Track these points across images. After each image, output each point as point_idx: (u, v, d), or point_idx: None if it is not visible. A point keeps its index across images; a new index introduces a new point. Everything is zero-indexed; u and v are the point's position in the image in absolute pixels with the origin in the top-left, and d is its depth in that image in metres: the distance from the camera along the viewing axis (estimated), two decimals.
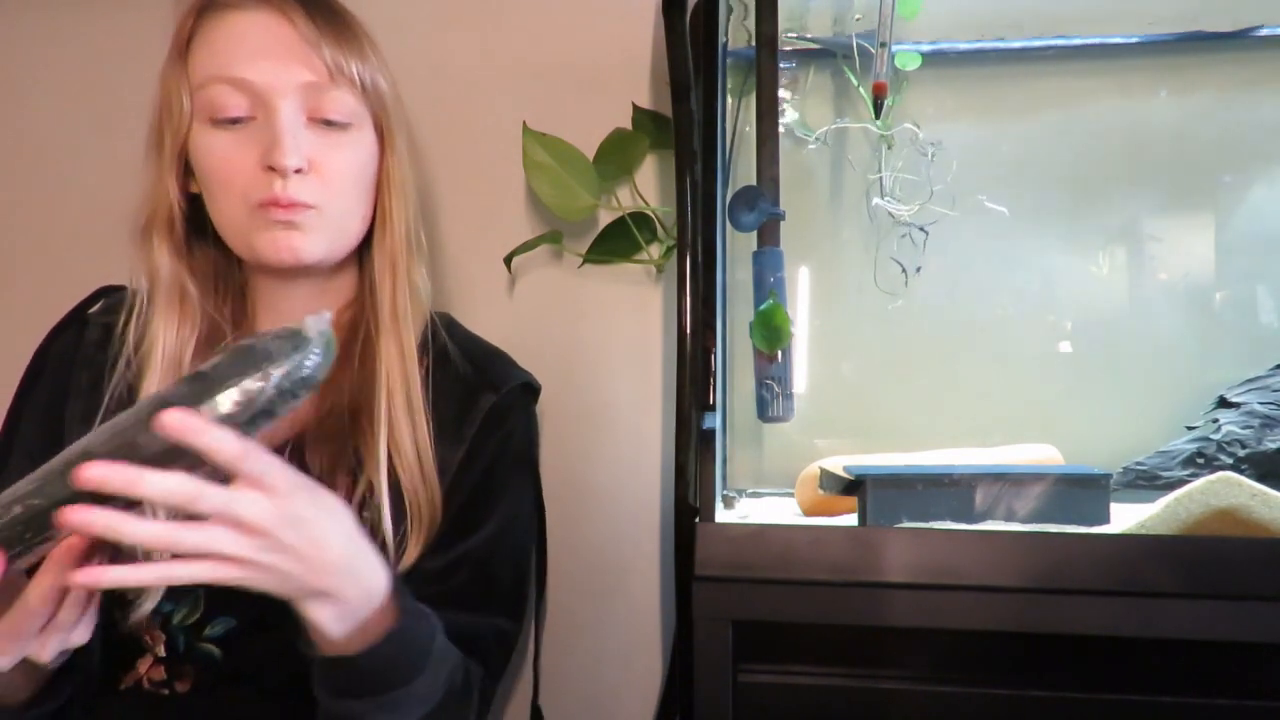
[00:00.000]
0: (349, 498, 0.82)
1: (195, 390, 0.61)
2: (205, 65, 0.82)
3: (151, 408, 0.60)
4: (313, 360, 0.63)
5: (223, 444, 0.59)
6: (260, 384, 0.61)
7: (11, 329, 1.21)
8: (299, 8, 0.83)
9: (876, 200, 1.05)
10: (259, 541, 0.62)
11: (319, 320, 0.64)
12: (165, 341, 0.84)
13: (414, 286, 0.88)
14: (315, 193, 0.82)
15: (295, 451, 0.84)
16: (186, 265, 0.86)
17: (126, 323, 0.86)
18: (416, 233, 0.90)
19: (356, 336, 0.88)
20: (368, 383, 0.85)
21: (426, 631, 0.75)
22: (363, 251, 0.91)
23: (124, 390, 0.85)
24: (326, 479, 0.82)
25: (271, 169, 0.80)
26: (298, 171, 0.81)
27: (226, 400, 0.60)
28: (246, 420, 0.61)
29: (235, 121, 0.82)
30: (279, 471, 0.62)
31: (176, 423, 0.58)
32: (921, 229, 1.04)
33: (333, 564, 0.66)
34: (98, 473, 0.57)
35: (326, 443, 0.84)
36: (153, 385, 0.82)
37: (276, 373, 0.62)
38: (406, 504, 0.83)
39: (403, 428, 0.83)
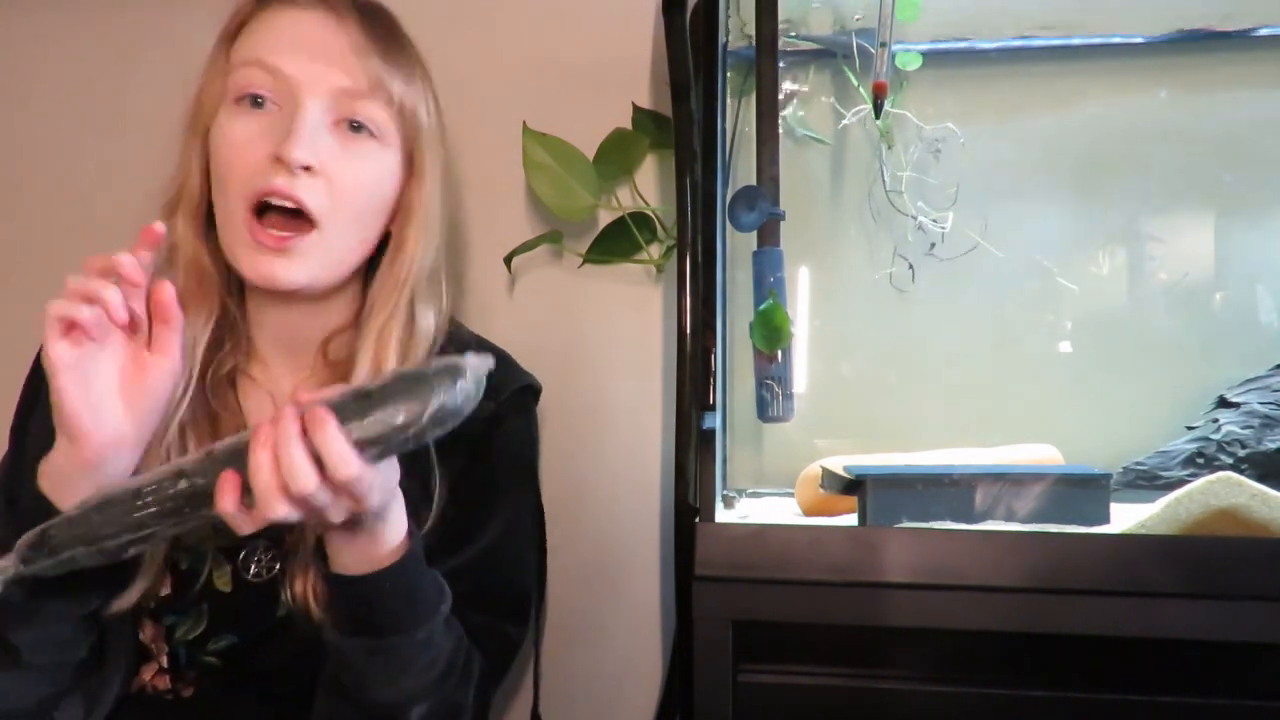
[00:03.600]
0: None
1: (358, 405, 0.66)
2: (246, 50, 0.82)
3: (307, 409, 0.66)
4: (463, 395, 0.67)
5: (346, 463, 0.64)
6: (419, 411, 0.66)
7: (12, 329, 1.21)
8: (356, 16, 0.82)
9: (916, 201, 1.05)
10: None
11: (482, 361, 0.68)
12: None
13: (418, 327, 0.85)
14: (319, 198, 0.80)
15: None
16: (206, 247, 0.84)
17: None
18: (436, 272, 0.87)
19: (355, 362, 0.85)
20: None
21: (435, 588, 0.76)
22: (367, 277, 0.89)
23: None
24: None
25: (280, 160, 0.78)
26: (307, 170, 0.79)
27: (379, 422, 0.65)
28: (399, 443, 0.66)
29: (257, 104, 0.80)
30: (372, 491, 0.68)
31: (320, 422, 0.64)
32: (937, 223, 1.04)
33: (377, 500, 0.70)
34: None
35: None
36: None
37: (436, 403, 0.66)
38: None
39: None
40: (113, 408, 0.71)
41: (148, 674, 0.83)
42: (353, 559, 0.72)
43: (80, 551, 0.67)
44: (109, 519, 0.67)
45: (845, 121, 1.07)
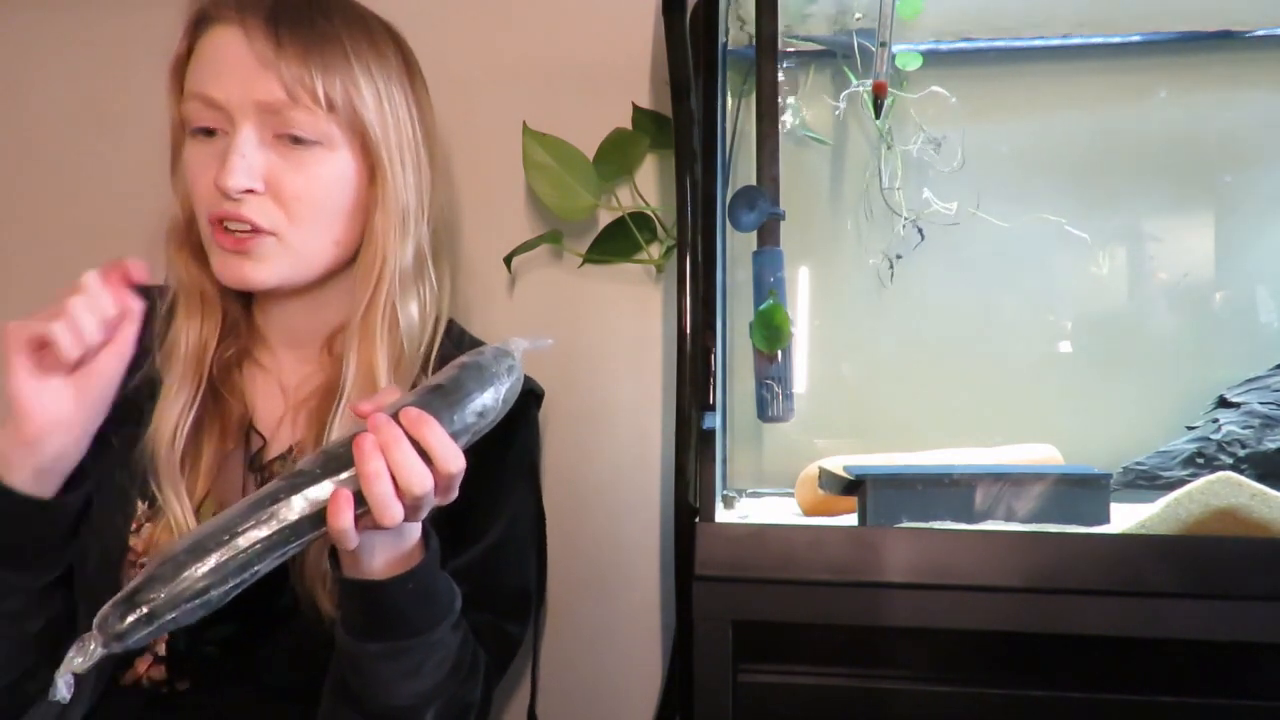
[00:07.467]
0: None
1: (441, 401, 0.69)
2: (190, 81, 0.83)
3: (394, 410, 0.68)
4: (518, 376, 0.72)
5: (455, 458, 0.68)
6: (495, 397, 0.70)
7: None
8: (261, 24, 0.80)
9: (922, 190, 1.05)
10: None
11: (530, 341, 0.74)
12: (188, 338, 0.86)
13: (403, 322, 0.85)
14: (270, 215, 0.81)
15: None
16: (204, 269, 0.86)
17: (149, 320, 0.87)
18: (420, 266, 0.87)
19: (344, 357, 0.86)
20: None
21: (448, 588, 0.77)
22: None
23: (144, 383, 0.85)
24: None
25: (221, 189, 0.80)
26: (250, 192, 0.80)
27: (465, 413, 0.69)
28: (480, 430, 0.71)
29: (210, 133, 0.82)
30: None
31: (425, 422, 0.67)
32: (918, 229, 1.04)
33: None
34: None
35: None
36: (175, 379, 0.84)
37: (503, 388, 0.71)
38: None
39: None
40: (59, 388, 0.76)
41: (143, 665, 0.82)
42: (381, 562, 0.72)
43: (185, 610, 0.63)
44: (208, 568, 0.63)
45: (849, 91, 1.07)
